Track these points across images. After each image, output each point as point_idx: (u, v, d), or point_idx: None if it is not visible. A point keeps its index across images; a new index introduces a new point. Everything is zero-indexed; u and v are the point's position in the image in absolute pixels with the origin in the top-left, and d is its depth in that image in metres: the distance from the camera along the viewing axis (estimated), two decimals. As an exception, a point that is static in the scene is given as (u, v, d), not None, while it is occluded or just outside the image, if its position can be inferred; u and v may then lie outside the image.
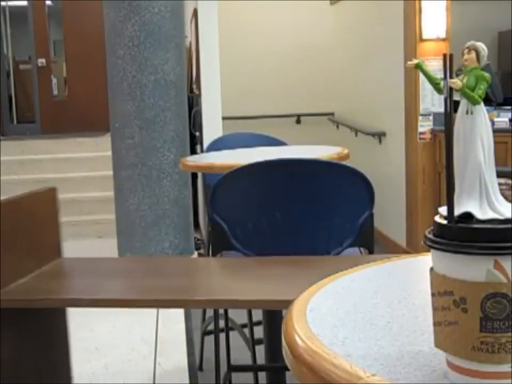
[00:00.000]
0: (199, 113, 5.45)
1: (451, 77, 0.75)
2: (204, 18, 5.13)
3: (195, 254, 4.88)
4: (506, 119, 4.81)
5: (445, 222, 0.72)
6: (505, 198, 0.71)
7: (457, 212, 0.72)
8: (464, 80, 0.80)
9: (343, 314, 0.91)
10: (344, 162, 2.40)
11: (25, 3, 8.56)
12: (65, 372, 2.22)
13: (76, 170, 6.76)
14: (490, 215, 0.71)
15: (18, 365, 1.92)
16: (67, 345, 2.21)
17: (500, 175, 0.77)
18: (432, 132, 5.07)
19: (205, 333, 3.24)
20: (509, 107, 4.87)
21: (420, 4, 4.96)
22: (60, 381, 2.19)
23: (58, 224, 2.20)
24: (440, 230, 0.71)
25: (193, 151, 5.34)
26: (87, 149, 7.08)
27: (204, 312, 3.43)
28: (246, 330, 2.80)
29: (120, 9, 4.47)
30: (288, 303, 0.94)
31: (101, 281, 2.03)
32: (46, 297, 1.85)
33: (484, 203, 0.73)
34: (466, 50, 0.85)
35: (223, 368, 2.69)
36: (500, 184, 0.63)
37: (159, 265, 2.24)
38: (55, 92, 9.12)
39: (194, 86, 5.76)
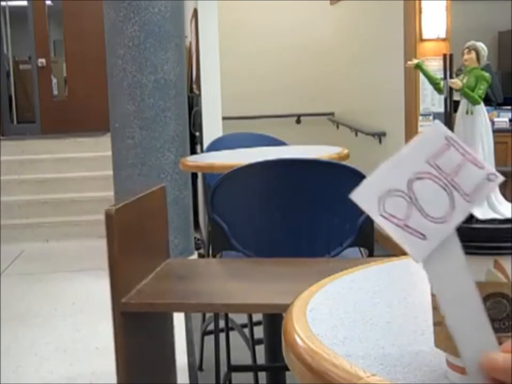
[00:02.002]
0: (199, 113, 5.45)
1: (451, 77, 0.75)
2: (204, 18, 5.13)
3: (195, 254, 4.88)
4: (506, 119, 4.81)
5: (445, 222, 0.72)
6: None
7: (457, 211, 0.71)
8: (464, 80, 0.80)
9: (343, 314, 0.91)
10: (344, 162, 2.40)
11: (25, 3, 8.55)
12: (173, 371, 2.22)
13: (75, 170, 6.76)
14: (490, 215, 0.71)
15: (141, 365, 1.91)
16: (173, 344, 2.21)
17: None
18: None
19: (205, 333, 3.24)
20: (509, 107, 4.87)
21: (419, 4, 4.96)
22: (170, 381, 2.19)
23: (167, 222, 2.15)
24: (440, 230, 0.71)
25: (193, 151, 5.34)
26: (87, 149, 7.08)
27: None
28: (246, 330, 2.80)
29: (120, 9, 4.47)
30: (288, 307, 0.94)
31: (219, 284, 1.97)
32: (173, 301, 1.83)
33: (484, 203, 0.72)
34: (466, 50, 0.85)
35: (223, 368, 2.69)
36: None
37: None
38: (55, 92, 9.12)
39: (194, 86, 5.76)
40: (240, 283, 1.94)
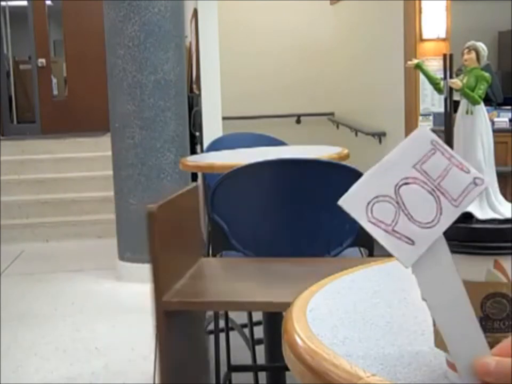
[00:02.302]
0: (199, 113, 5.45)
1: (451, 77, 0.75)
2: (204, 18, 5.13)
3: (195, 254, 4.88)
4: (506, 119, 4.81)
5: (445, 222, 0.72)
6: None
7: (457, 211, 0.71)
8: (464, 80, 0.80)
9: (343, 314, 0.91)
10: (344, 162, 2.40)
11: (25, 3, 8.55)
12: (208, 371, 2.21)
13: (75, 170, 6.76)
14: (490, 215, 0.71)
15: (181, 365, 1.90)
16: (207, 343, 2.22)
17: (500, 175, 0.77)
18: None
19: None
20: (509, 107, 4.87)
21: (420, 4, 4.96)
22: (206, 381, 2.19)
23: (201, 220, 2.13)
24: (440, 230, 0.71)
25: (193, 151, 5.33)
26: (87, 149, 7.07)
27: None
28: (246, 330, 2.79)
29: (120, 9, 4.47)
30: (288, 306, 0.94)
31: (249, 284, 1.95)
32: (212, 300, 1.82)
33: (484, 203, 0.73)
34: (466, 50, 0.85)
35: (223, 368, 2.69)
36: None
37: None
38: (55, 92, 9.12)
39: (194, 86, 5.76)
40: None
